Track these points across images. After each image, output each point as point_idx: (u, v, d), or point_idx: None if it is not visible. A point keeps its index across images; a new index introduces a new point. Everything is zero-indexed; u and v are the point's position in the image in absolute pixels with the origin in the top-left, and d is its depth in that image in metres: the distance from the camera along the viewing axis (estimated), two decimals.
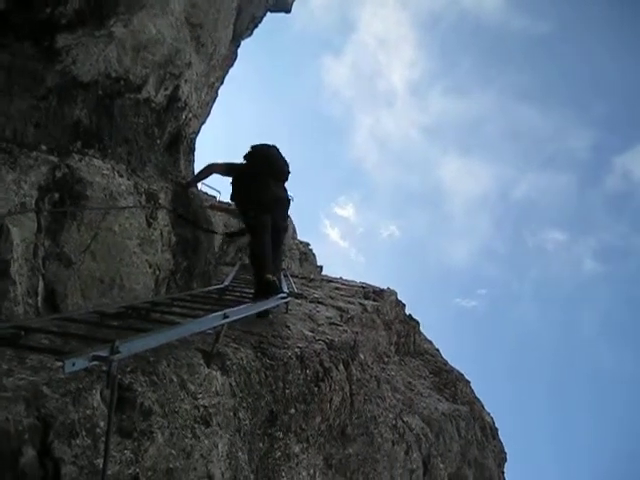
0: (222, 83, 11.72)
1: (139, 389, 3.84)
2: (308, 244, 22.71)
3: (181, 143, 9.04)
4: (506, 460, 16.83)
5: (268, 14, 13.48)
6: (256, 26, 12.89)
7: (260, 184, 7.99)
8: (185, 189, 8.37)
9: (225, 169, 8.28)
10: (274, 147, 8.28)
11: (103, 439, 3.27)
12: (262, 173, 8.05)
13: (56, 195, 5.37)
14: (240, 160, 8.19)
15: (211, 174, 8.48)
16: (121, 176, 6.52)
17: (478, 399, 16.46)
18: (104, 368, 3.43)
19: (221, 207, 11.32)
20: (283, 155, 8.31)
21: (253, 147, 8.20)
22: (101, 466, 3.14)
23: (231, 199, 8.21)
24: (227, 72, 11.93)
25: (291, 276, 12.00)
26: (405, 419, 9.67)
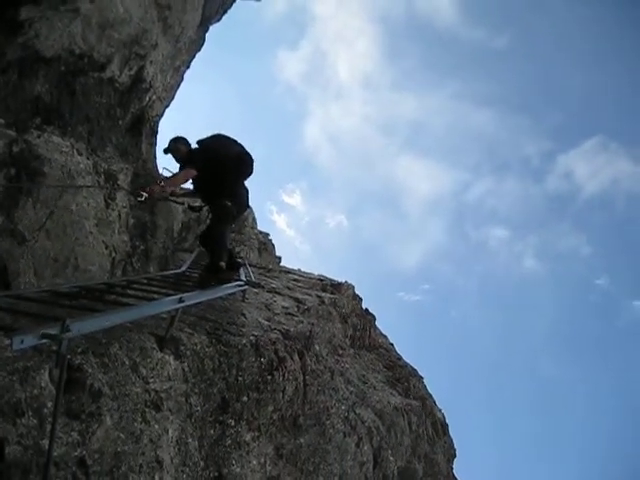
0: (188, 67, 11.57)
1: (89, 370, 3.77)
2: (268, 234, 22.64)
3: (144, 125, 8.92)
4: (455, 456, 16.98)
5: (238, 1, 13.37)
6: (225, 12, 12.75)
7: (243, 185, 8.26)
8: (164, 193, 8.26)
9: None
10: (242, 147, 8.27)
11: (50, 420, 3.20)
12: (244, 175, 8.24)
13: (12, 170, 5.26)
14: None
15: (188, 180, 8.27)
16: (80, 154, 6.41)
17: (430, 395, 16.58)
18: (54, 347, 3.36)
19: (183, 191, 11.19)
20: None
21: (237, 146, 8.18)
22: (47, 447, 3.08)
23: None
24: (194, 56, 11.78)
25: (249, 266, 11.94)
26: (357, 411, 9.68)
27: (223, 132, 8.29)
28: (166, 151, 8.01)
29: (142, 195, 7.18)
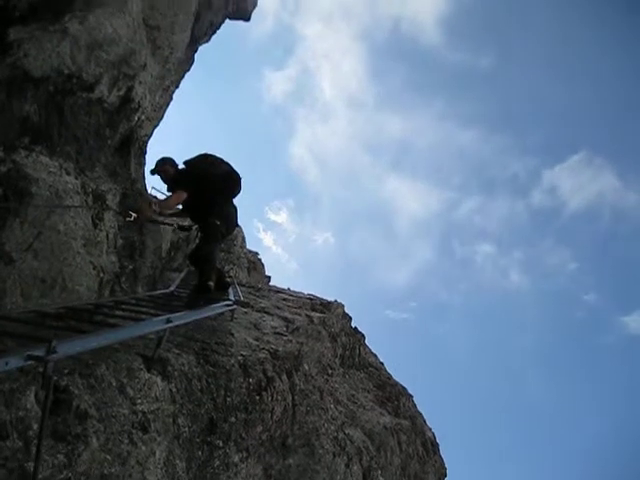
0: (177, 87, 11.62)
1: (76, 391, 3.75)
2: (257, 253, 22.63)
3: (132, 145, 8.92)
4: (446, 475, 16.92)
5: (227, 21, 13.45)
6: (214, 32, 12.84)
7: (231, 204, 8.38)
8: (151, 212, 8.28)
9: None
10: (230, 166, 8.30)
11: (36, 442, 3.18)
12: (232, 194, 8.36)
13: None
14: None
15: (179, 203, 8.24)
16: (68, 174, 6.40)
17: (420, 414, 16.54)
18: (40, 369, 3.35)
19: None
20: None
21: (225, 165, 8.21)
22: (32, 470, 3.06)
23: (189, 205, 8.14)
24: (183, 76, 11.83)
25: (239, 285, 11.92)
26: (347, 431, 9.65)
27: (210, 152, 8.33)
28: (153, 172, 8.04)
29: (131, 215, 7.19)
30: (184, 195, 7.63)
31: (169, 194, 7.91)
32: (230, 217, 8.20)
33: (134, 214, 7.31)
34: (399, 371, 17.53)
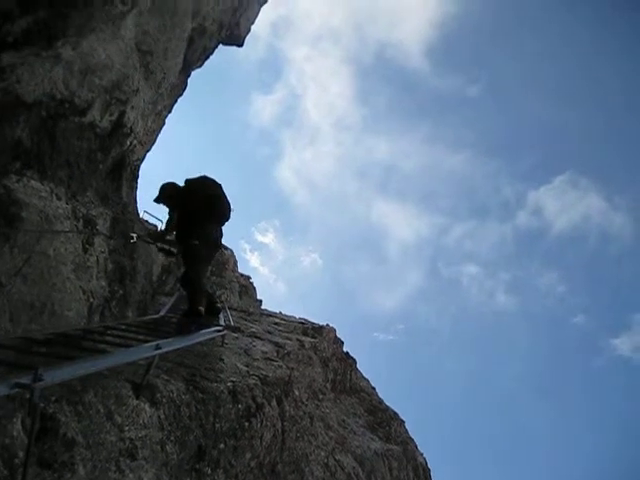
0: (170, 111, 11.65)
1: (63, 419, 3.73)
2: (249, 277, 22.58)
3: (124, 170, 8.94)
4: None
5: (220, 46, 13.53)
6: (207, 57, 12.91)
7: (215, 226, 8.38)
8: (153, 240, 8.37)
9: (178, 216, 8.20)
10: (220, 190, 8.34)
11: (21, 470, 3.16)
12: (217, 217, 8.38)
13: None
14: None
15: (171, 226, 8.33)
16: (59, 199, 6.40)
17: (412, 439, 16.48)
18: (27, 396, 3.33)
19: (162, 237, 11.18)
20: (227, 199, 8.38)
21: (213, 189, 8.25)
22: None
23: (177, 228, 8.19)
24: (176, 101, 11.87)
25: (230, 309, 11.90)
26: (337, 457, 9.60)
27: (208, 174, 8.37)
28: (157, 200, 8.09)
29: (132, 237, 7.26)
30: (174, 218, 7.70)
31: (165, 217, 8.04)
32: (208, 238, 8.18)
33: (135, 234, 7.42)
34: (385, 392, 17.50)
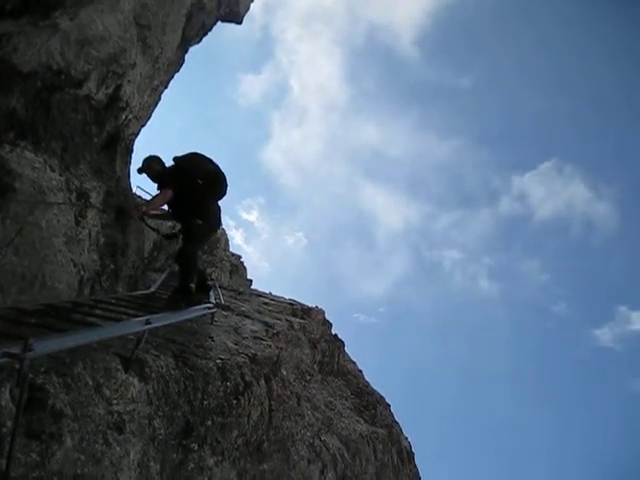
0: (166, 87, 11.56)
1: (51, 390, 3.72)
2: (240, 257, 22.54)
3: (119, 144, 8.88)
4: None
5: (218, 23, 13.41)
6: (205, 34, 12.79)
7: (215, 204, 8.31)
8: (139, 214, 8.24)
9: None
10: (218, 166, 8.28)
11: (9, 439, 3.15)
12: (216, 194, 8.28)
13: None
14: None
15: (166, 202, 8.13)
16: (53, 171, 6.37)
17: (397, 422, 16.55)
18: (16, 366, 3.31)
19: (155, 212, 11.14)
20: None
21: (212, 164, 8.18)
22: (4, 468, 3.03)
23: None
24: (172, 77, 11.78)
25: (220, 288, 11.89)
26: (323, 438, 9.64)
27: (198, 151, 8.30)
28: (140, 171, 7.99)
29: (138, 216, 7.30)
30: (170, 193, 7.60)
31: (157, 192, 7.86)
32: (213, 217, 8.15)
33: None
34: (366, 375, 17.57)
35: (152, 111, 11.08)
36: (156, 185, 8.09)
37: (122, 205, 8.11)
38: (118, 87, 7.96)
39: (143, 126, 10.67)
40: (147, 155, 8.09)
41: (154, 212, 8.40)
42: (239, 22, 14.94)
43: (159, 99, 11.27)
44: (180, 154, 8.12)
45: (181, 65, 12.11)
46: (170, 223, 11.45)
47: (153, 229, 9.35)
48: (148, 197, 8.75)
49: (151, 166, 7.96)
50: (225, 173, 8.23)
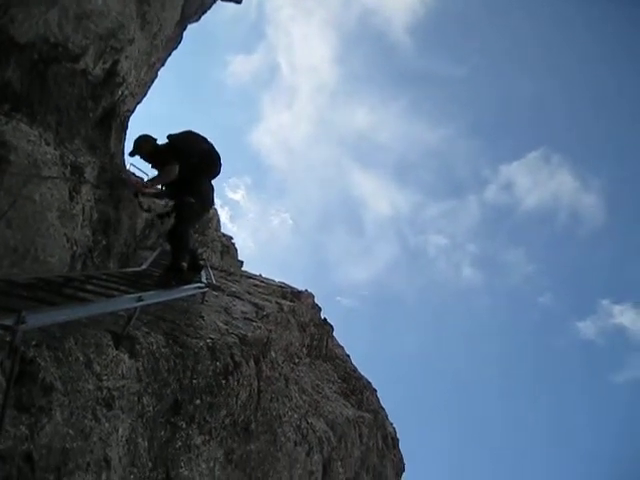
0: (163, 65, 11.50)
1: (42, 364, 3.70)
2: (231, 238, 22.55)
3: (114, 120, 8.82)
4: (404, 470, 17.07)
5: (218, 2, 13.32)
6: (204, 12, 12.71)
7: (208, 183, 8.31)
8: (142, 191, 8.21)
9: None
10: (213, 145, 8.24)
11: None
12: (210, 173, 8.30)
13: None
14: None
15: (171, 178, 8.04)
16: (48, 144, 6.33)
17: (383, 408, 16.66)
18: (7, 338, 3.30)
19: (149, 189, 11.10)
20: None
21: (206, 143, 8.14)
22: None
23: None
24: (170, 54, 11.72)
25: (211, 268, 11.90)
26: (310, 421, 9.68)
27: (193, 129, 8.26)
28: (132, 153, 7.93)
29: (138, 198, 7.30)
30: (176, 169, 7.56)
31: (151, 170, 7.85)
32: (205, 196, 8.13)
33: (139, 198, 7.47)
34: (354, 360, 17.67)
35: (148, 88, 11.01)
36: (150, 164, 8.06)
37: (119, 178, 8.07)
38: (115, 62, 7.90)
39: (139, 103, 10.61)
40: (137, 136, 8.03)
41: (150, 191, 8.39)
42: (238, 2, 14.83)
43: (156, 76, 11.21)
44: (174, 132, 8.08)
45: (179, 43, 12.05)
46: (163, 202, 11.44)
47: (144, 209, 9.33)
48: (141, 174, 8.70)
49: (142, 146, 7.90)
50: (219, 152, 8.22)
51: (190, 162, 7.72)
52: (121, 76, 8.25)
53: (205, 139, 8.17)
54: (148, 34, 8.92)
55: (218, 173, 8.35)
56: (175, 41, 11.62)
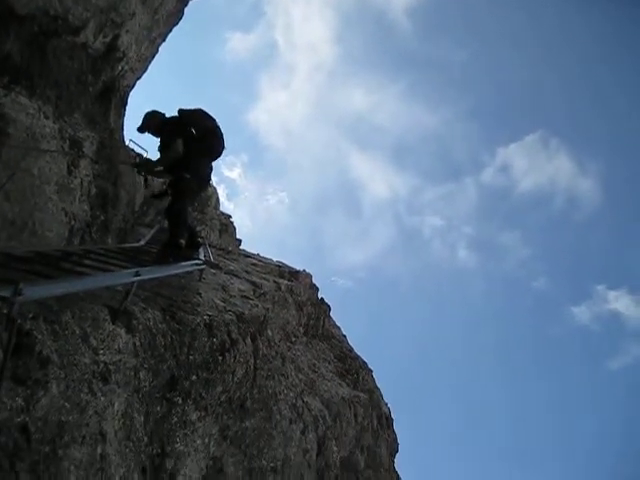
0: (164, 40, 11.40)
1: (39, 336, 3.70)
2: (229, 216, 22.50)
3: (114, 95, 8.77)
4: (398, 451, 17.16)
5: None
6: None
7: (207, 161, 8.27)
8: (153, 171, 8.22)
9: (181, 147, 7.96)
10: (218, 124, 8.21)
11: None
12: (211, 152, 8.23)
13: None
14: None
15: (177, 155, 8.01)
16: (47, 118, 6.29)
17: (378, 388, 16.73)
18: (4, 310, 3.29)
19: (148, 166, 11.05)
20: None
21: (213, 122, 8.11)
22: None
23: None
24: (171, 30, 11.61)
25: (209, 246, 11.88)
26: (305, 399, 9.72)
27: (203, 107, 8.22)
28: (141, 129, 7.90)
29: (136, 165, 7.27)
30: (180, 144, 7.54)
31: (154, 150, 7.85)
32: (201, 172, 8.07)
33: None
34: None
35: (149, 64, 10.92)
36: (159, 140, 8.02)
37: (109, 155, 8.06)
38: (116, 37, 7.84)
39: (139, 79, 10.54)
40: (144, 113, 8.00)
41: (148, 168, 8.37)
42: None
43: (156, 52, 11.10)
44: (185, 108, 8.05)
45: (180, 18, 11.92)
46: (162, 180, 11.40)
47: (144, 177, 9.30)
48: (141, 151, 8.66)
49: (151, 120, 7.90)
50: (223, 132, 8.18)
51: (193, 138, 7.69)
52: (121, 51, 8.19)
53: (213, 118, 8.14)
54: (149, 8, 8.84)
55: (220, 153, 8.31)
56: (176, 16, 11.50)
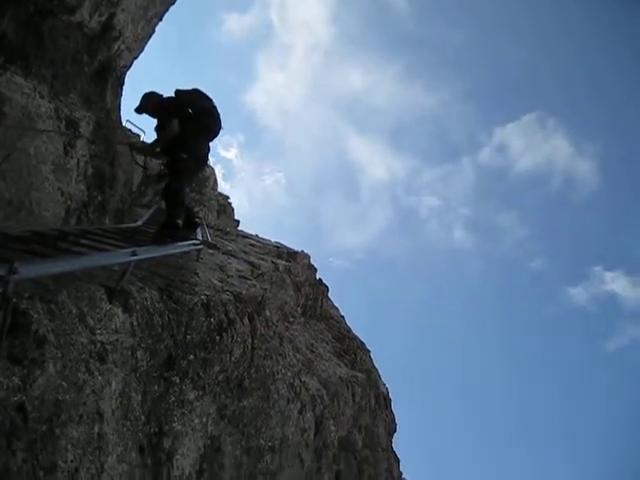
0: (161, 19, 11.31)
1: (35, 316, 3.70)
2: (227, 197, 22.50)
3: (110, 75, 8.72)
4: (396, 431, 17.24)
5: None
6: None
7: (204, 140, 8.17)
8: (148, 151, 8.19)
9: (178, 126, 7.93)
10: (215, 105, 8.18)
11: None
12: (207, 132, 8.13)
13: None
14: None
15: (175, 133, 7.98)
16: (42, 98, 6.26)
17: (376, 368, 16.79)
18: (0, 289, 3.29)
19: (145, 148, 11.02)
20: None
21: (210, 102, 8.08)
22: None
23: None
24: (167, 9, 11.51)
25: (207, 227, 11.87)
26: (303, 379, 9.75)
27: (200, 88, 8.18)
28: (139, 110, 7.85)
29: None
30: (176, 123, 7.50)
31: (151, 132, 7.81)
32: (199, 152, 8.02)
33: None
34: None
35: (145, 44, 10.85)
36: (157, 121, 7.98)
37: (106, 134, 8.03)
38: (112, 15, 7.78)
39: (136, 59, 10.47)
40: (143, 93, 7.95)
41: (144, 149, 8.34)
42: None
43: (153, 32, 11.02)
44: (182, 88, 8.01)
45: None
46: (159, 161, 11.37)
47: (142, 166, 9.26)
48: (137, 131, 8.62)
49: (148, 101, 7.85)
50: (220, 112, 8.15)
51: (189, 118, 7.66)
52: (117, 30, 8.14)
53: (209, 98, 8.09)
54: None
55: (217, 133, 8.27)
56: None
